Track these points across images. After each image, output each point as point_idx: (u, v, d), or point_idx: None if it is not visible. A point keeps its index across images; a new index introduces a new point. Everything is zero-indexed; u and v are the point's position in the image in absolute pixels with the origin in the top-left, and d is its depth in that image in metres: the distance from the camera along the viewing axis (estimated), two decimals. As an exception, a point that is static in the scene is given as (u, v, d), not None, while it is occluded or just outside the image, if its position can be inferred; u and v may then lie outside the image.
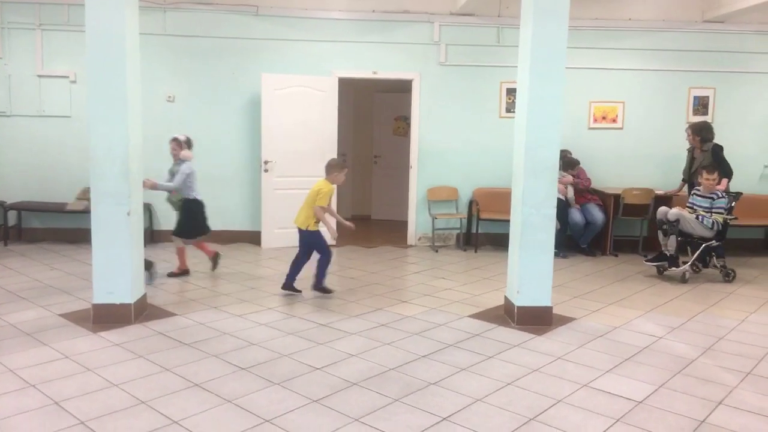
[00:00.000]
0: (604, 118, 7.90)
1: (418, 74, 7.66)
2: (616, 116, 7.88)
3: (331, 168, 5.37)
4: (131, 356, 3.90)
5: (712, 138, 6.68)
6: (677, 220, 6.12)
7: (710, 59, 7.79)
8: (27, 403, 3.22)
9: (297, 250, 5.46)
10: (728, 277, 6.22)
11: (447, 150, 7.78)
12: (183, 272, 5.98)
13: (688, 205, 6.37)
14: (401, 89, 8.60)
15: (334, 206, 6.07)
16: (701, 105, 7.86)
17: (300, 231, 5.39)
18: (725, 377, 3.78)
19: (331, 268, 5.60)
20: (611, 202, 7.34)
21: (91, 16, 4.31)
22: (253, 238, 7.53)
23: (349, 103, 9.59)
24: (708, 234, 6.14)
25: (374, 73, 7.65)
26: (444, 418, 3.15)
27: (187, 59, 7.42)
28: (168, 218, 6.89)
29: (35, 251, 6.91)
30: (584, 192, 7.53)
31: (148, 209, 7.30)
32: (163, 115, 7.33)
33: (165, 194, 6.05)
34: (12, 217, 7.37)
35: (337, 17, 7.50)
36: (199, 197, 5.90)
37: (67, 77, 7.31)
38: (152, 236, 7.35)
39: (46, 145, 7.32)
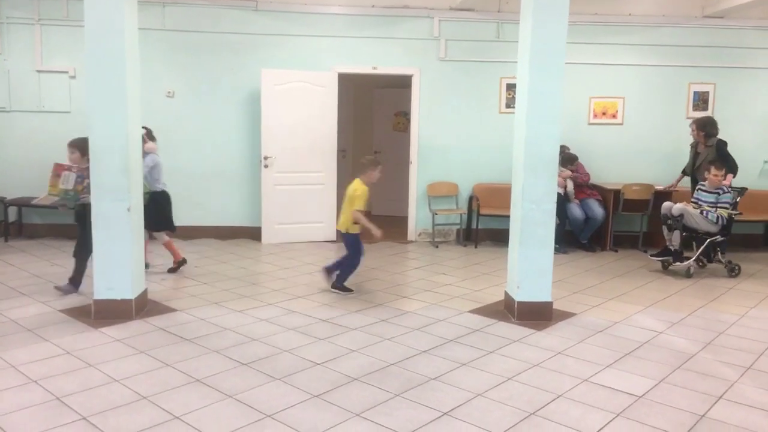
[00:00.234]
0: (604, 113, 7.89)
1: (417, 69, 7.65)
2: (616, 112, 7.87)
3: (364, 167, 5.26)
4: (132, 352, 3.90)
5: (717, 133, 6.66)
6: (681, 215, 6.13)
7: (710, 54, 7.77)
8: (29, 398, 3.22)
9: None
10: (733, 272, 6.23)
11: (447, 145, 7.77)
12: (180, 263, 5.95)
13: (692, 200, 6.37)
14: (401, 85, 8.59)
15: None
16: (701, 100, 7.85)
17: (342, 234, 5.39)
18: (725, 372, 3.79)
19: (331, 263, 5.58)
20: (611, 198, 7.35)
21: (90, 11, 4.30)
22: (253, 233, 7.53)
23: (349, 99, 9.58)
24: (713, 229, 6.15)
25: (374, 68, 7.63)
26: (445, 413, 3.16)
27: (187, 54, 7.40)
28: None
29: (36, 247, 6.91)
30: (584, 187, 7.53)
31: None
32: (162, 110, 7.32)
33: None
34: (12, 213, 7.36)
35: (336, 12, 7.49)
36: (166, 189, 5.83)
37: (67, 72, 7.30)
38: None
39: (46, 140, 7.29)
